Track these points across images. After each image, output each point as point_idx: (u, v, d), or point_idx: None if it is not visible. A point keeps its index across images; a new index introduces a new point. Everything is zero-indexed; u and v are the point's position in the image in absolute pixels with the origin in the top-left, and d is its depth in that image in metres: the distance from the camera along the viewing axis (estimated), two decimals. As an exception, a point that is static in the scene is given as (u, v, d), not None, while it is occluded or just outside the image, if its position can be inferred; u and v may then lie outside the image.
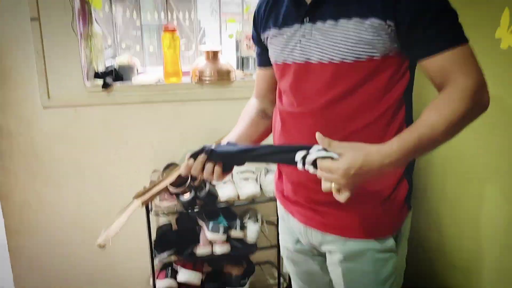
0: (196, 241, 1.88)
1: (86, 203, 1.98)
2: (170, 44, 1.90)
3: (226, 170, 1.12)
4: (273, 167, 1.96)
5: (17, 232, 1.95)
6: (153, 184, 1.84)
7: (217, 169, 1.09)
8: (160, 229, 1.99)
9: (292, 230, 1.32)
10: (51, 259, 2.01)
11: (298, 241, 1.32)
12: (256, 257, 2.19)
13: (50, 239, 1.99)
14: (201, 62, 1.97)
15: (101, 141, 1.93)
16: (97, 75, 1.86)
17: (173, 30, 1.90)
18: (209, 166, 1.09)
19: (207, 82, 1.96)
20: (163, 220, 2.07)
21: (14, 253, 1.97)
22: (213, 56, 1.94)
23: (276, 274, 2.22)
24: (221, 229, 1.83)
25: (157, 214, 1.80)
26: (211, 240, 1.85)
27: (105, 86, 1.83)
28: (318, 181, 1.03)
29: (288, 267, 1.43)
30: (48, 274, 2.02)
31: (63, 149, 1.90)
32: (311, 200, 1.18)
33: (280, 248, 1.42)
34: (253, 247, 1.99)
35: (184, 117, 2.01)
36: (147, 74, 2.03)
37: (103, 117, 1.91)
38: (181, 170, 1.20)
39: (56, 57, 1.79)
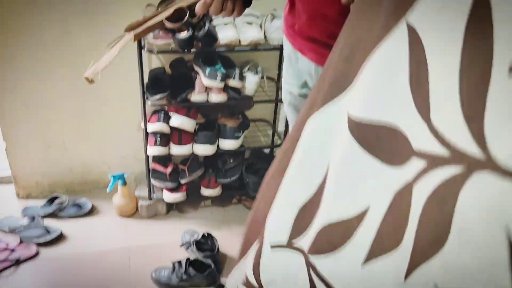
0: (191, 88, 1.76)
1: (72, 35, 1.80)
2: None
3: (246, 5, 0.97)
4: (280, 13, 1.77)
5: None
6: (147, 18, 1.66)
7: (238, 4, 0.94)
8: (152, 71, 1.85)
9: (299, 73, 1.19)
10: (36, 97, 1.89)
11: (304, 85, 1.20)
12: (251, 113, 2.10)
13: (33, 74, 1.84)
14: None
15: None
16: None
17: None
18: (229, 4, 0.93)
19: None
20: (155, 63, 1.93)
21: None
22: None
23: (270, 133, 2.17)
24: (219, 76, 1.70)
25: (150, 51, 1.64)
26: (208, 86, 1.73)
27: None
28: (340, 11, 0.87)
29: (288, 114, 1.33)
30: (33, 114, 1.92)
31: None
32: (328, 34, 1.03)
33: (283, 93, 1.30)
34: (250, 101, 1.89)
35: None
36: None
37: None
38: (196, 9, 1.04)
39: None
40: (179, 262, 1.63)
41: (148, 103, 1.73)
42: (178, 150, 1.81)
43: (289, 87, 1.24)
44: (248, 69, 1.86)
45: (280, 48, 1.79)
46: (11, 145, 1.95)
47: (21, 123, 1.92)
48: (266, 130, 2.19)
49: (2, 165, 2.06)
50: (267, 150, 2.18)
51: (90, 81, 1.60)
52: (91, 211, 1.97)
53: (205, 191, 1.96)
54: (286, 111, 1.32)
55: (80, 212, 1.94)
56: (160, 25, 1.64)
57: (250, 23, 1.75)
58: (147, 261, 1.73)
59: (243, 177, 2.00)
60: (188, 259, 1.63)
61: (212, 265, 1.63)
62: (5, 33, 1.74)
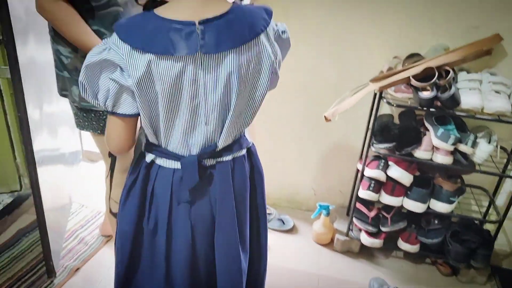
0: (417, 143, 1.76)
1: (322, 66, 1.98)
2: None
3: None
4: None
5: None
6: (394, 72, 1.73)
7: None
8: (381, 118, 1.92)
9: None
10: (269, 107, 2.14)
11: None
12: (469, 177, 1.99)
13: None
14: None
15: (350, 14, 1.84)
16: None
17: None
18: None
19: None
20: (385, 109, 1.98)
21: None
22: None
23: (484, 204, 2.02)
24: (451, 139, 1.66)
25: (388, 103, 1.70)
26: (436, 146, 1.72)
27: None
28: None
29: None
30: (258, 123, 2.18)
31: (313, 14, 1.87)
32: None
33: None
34: (472, 167, 1.79)
35: (445, 7, 1.75)
36: None
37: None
38: None
39: None
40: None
41: (372, 149, 1.80)
42: (388, 199, 1.84)
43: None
44: (482, 136, 1.77)
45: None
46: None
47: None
48: (481, 199, 2.04)
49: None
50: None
51: (328, 120, 1.75)
52: (292, 229, 2.15)
53: (403, 245, 1.95)
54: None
55: (283, 227, 2.13)
56: (405, 81, 1.70)
57: (498, 92, 1.66)
58: (333, 294, 1.81)
59: (445, 242, 1.92)
60: (375, 309, 1.65)
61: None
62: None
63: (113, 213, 1.36)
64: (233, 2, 0.93)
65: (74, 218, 2.11)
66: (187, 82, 0.88)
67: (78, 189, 2.26)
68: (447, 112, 1.69)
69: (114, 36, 0.86)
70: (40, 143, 1.61)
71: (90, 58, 0.87)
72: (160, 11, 0.86)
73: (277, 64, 0.98)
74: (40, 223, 1.63)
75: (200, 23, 0.85)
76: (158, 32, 0.84)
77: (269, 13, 0.95)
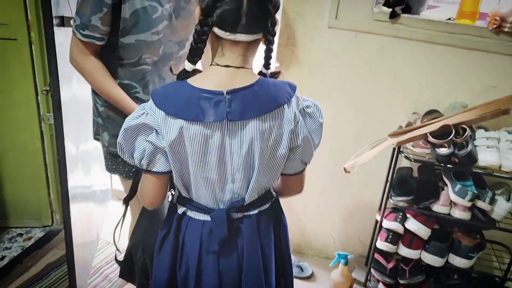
0: (435, 197, 1.79)
1: (339, 122, 2.05)
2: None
3: None
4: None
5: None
6: (412, 128, 1.79)
7: None
8: (400, 171, 1.96)
9: None
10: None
11: None
12: (489, 233, 1.99)
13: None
14: (506, 6, 1.71)
15: (371, 70, 1.93)
16: (386, 3, 1.80)
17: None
18: None
19: (506, 30, 1.71)
20: (404, 162, 2.03)
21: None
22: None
23: (506, 261, 2.00)
24: (469, 196, 1.69)
25: (407, 158, 1.75)
26: (454, 201, 1.74)
27: (393, 16, 1.77)
28: None
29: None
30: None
31: (335, 69, 1.96)
32: None
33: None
34: (493, 223, 1.80)
35: (463, 66, 1.83)
36: (438, 9, 1.88)
37: (380, 47, 1.88)
38: None
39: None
40: None
41: (390, 201, 1.84)
42: (406, 252, 1.85)
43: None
44: (501, 193, 1.78)
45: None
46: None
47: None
48: (501, 256, 2.03)
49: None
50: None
51: (347, 171, 1.81)
52: (310, 277, 2.17)
53: (421, 299, 1.94)
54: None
55: (301, 274, 2.15)
56: (423, 137, 1.75)
57: (517, 151, 1.69)
58: None
59: (465, 298, 1.90)
60: None
61: None
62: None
63: (117, 261, 1.43)
64: (259, 73, 1.03)
65: (100, 255, 2.19)
66: (214, 145, 0.97)
67: (105, 226, 2.35)
68: (464, 169, 1.72)
69: (151, 102, 0.96)
70: (74, 180, 1.71)
71: (129, 122, 0.97)
72: (192, 80, 0.96)
73: (299, 135, 1.01)
74: (69, 258, 1.72)
75: (227, 92, 0.94)
76: (190, 100, 0.93)
77: (292, 88, 1.01)
